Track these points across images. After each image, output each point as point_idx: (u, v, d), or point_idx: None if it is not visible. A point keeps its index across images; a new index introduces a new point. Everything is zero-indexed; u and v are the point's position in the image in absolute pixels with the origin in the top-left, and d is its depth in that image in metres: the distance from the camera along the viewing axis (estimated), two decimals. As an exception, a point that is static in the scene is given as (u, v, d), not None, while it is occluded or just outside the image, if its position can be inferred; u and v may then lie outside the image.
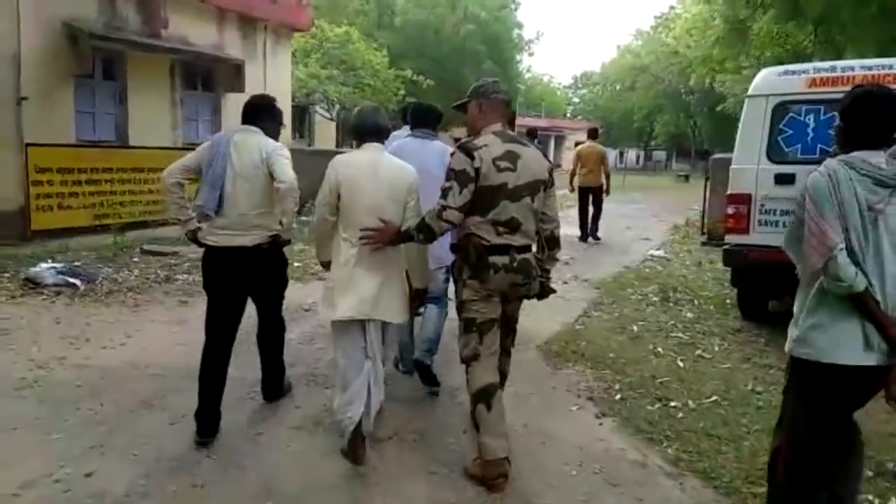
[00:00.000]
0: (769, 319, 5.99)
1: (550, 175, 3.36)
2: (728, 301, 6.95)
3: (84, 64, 9.15)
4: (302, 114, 21.58)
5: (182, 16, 11.01)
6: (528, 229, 3.24)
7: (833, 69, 5.33)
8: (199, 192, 3.63)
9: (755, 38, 11.77)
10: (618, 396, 4.34)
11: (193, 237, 3.79)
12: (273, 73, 13.19)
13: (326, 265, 3.45)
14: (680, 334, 5.75)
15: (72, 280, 6.45)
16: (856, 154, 2.38)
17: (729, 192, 5.65)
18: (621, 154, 53.55)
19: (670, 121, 47.11)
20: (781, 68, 5.65)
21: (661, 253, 10.12)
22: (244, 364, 4.63)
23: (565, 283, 7.83)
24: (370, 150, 3.34)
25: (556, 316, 6.28)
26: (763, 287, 5.97)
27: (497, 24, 28.83)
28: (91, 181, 9.60)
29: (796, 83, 5.39)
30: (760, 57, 12.03)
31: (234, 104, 12.14)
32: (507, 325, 3.41)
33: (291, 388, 4.26)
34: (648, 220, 14.96)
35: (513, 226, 3.17)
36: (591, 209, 11.37)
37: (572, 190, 11.80)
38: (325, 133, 22.79)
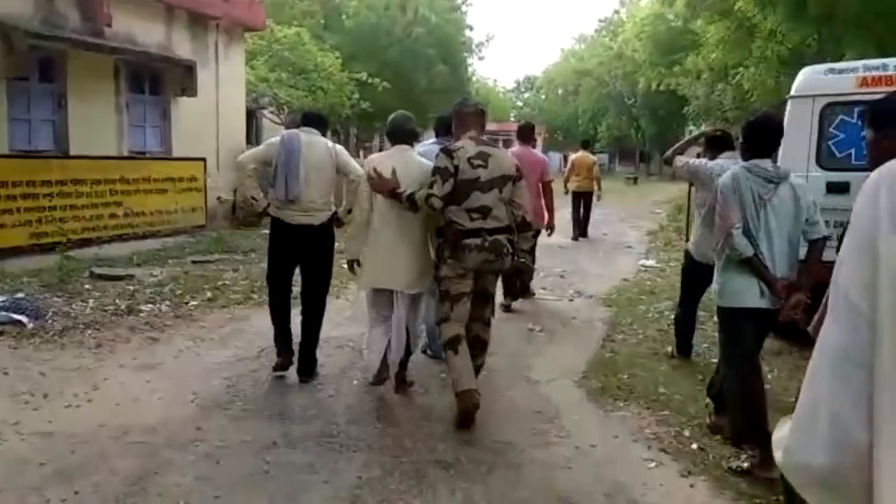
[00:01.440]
0: (808, 339, 5.52)
1: (518, 171, 4.10)
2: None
3: (19, 65, 8.04)
4: (249, 118, 20.44)
5: (127, 13, 9.94)
6: (498, 215, 3.94)
7: (885, 67, 4.91)
8: (276, 183, 4.38)
9: (758, 37, 11.55)
10: (694, 445, 3.74)
11: (265, 212, 4.65)
12: (226, 75, 12.20)
13: (351, 265, 4.36)
14: (721, 360, 5.21)
15: (16, 317, 5.46)
16: (753, 161, 3.45)
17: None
18: (565, 158, 53.53)
19: (614, 124, 47.40)
20: (825, 66, 5.21)
21: (652, 263, 9.68)
22: (255, 428, 3.85)
23: (571, 300, 7.28)
24: (400, 150, 4.22)
25: (578, 341, 5.71)
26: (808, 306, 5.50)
27: (448, 27, 28.21)
28: (27, 195, 8.44)
29: (846, 83, 4.95)
30: (762, 57, 11.80)
31: (185, 109, 11.14)
32: (484, 297, 4.12)
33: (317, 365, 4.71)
34: (620, 226, 14.60)
35: (483, 212, 3.89)
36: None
37: (566, 192, 12.14)
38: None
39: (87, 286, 6.93)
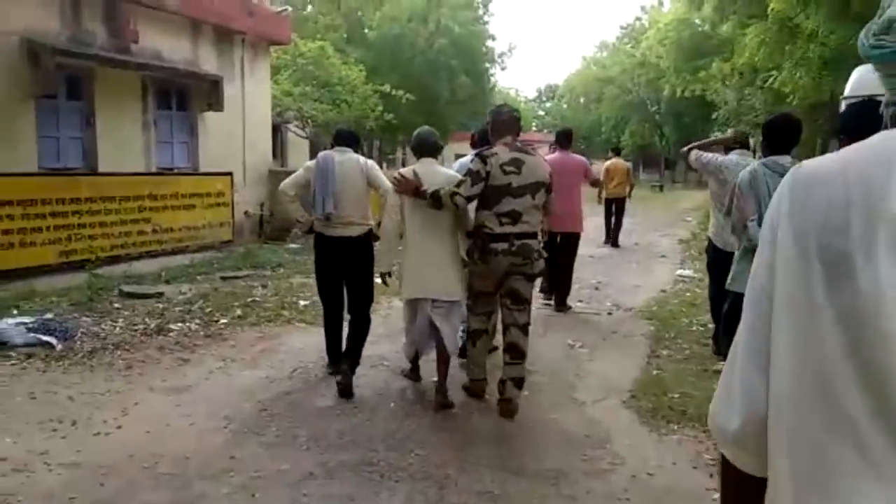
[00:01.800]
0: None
1: (551, 179, 4.28)
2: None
3: (47, 83, 8.04)
4: (274, 132, 20.43)
5: (153, 29, 9.94)
6: (528, 220, 4.10)
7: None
8: (315, 203, 4.69)
9: (799, 38, 11.27)
10: (758, 473, 3.49)
11: (309, 230, 4.93)
12: (252, 90, 12.19)
13: (384, 277, 4.53)
14: (776, 377, 4.95)
15: (45, 338, 5.37)
16: (771, 157, 3.81)
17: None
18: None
19: (637, 131, 46.86)
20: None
21: (689, 273, 9.37)
22: (290, 456, 3.67)
23: (609, 313, 7.04)
24: (426, 163, 4.38)
25: (622, 357, 5.48)
26: None
27: (470, 38, 28.10)
28: (56, 213, 8.41)
29: (906, 82, 4.68)
30: (802, 58, 11.49)
31: (212, 124, 11.10)
32: (517, 300, 4.19)
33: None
34: (652, 235, 14.28)
35: (513, 217, 4.04)
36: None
37: (600, 202, 12.09)
38: (298, 153, 21.61)
39: (116, 305, 6.84)
